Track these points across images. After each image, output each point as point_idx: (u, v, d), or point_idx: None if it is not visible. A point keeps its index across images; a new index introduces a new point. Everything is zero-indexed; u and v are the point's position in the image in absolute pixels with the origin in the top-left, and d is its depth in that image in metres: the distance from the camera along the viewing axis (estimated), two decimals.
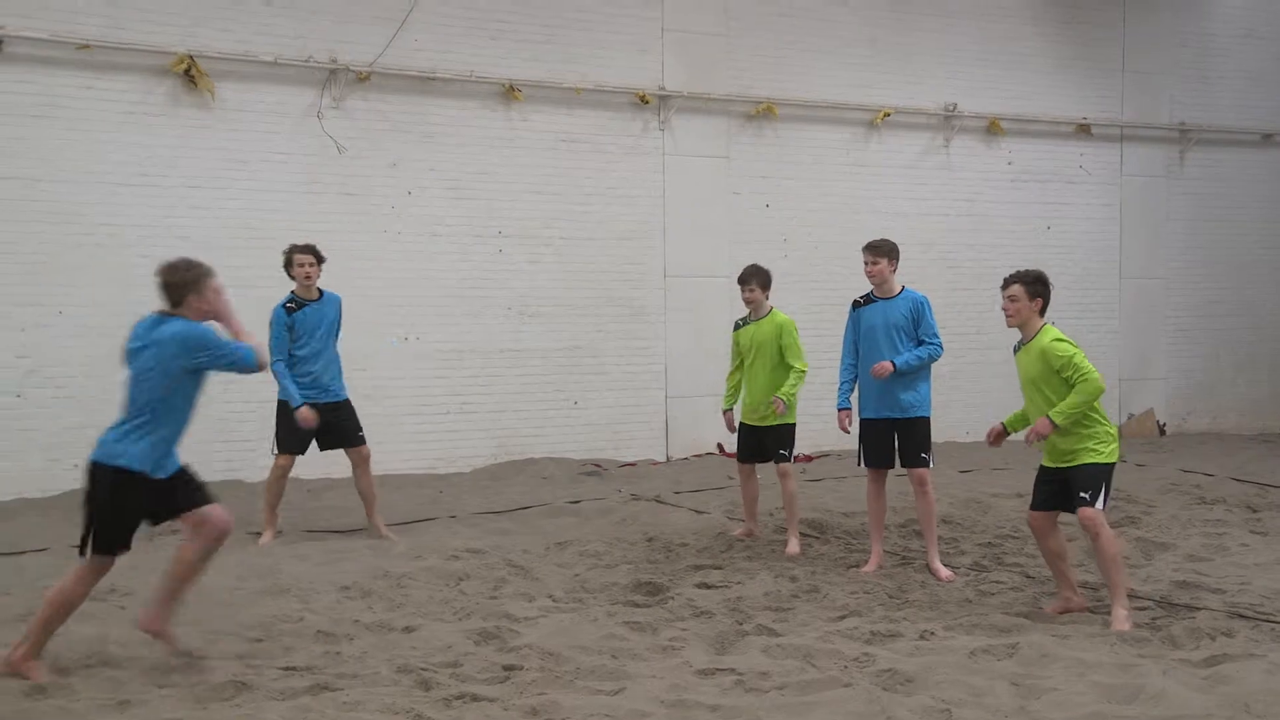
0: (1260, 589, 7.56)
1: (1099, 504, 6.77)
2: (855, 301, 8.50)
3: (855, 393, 8.48)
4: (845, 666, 5.97)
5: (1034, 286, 7.07)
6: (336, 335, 9.30)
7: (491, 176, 12.77)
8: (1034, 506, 7.15)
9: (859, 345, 8.38)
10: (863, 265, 8.37)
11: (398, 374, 12.35)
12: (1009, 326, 7.17)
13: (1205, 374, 16.61)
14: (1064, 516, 7.17)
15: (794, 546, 8.76)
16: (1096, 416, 6.90)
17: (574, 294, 13.16)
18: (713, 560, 8.44)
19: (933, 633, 6.59)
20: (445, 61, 12.50)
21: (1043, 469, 7.13)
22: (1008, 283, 7.14)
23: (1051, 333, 7.02)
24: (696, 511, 10.27)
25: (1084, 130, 15.68)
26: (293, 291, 9.19)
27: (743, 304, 9.21)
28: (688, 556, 8.57)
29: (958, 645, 6.30)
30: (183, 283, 5.94)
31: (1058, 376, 6.89)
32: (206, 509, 6.00)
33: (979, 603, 7.36)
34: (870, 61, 14.60)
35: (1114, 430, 7.00)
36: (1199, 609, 7.08)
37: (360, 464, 9.29)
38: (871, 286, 8.40)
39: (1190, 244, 16.43)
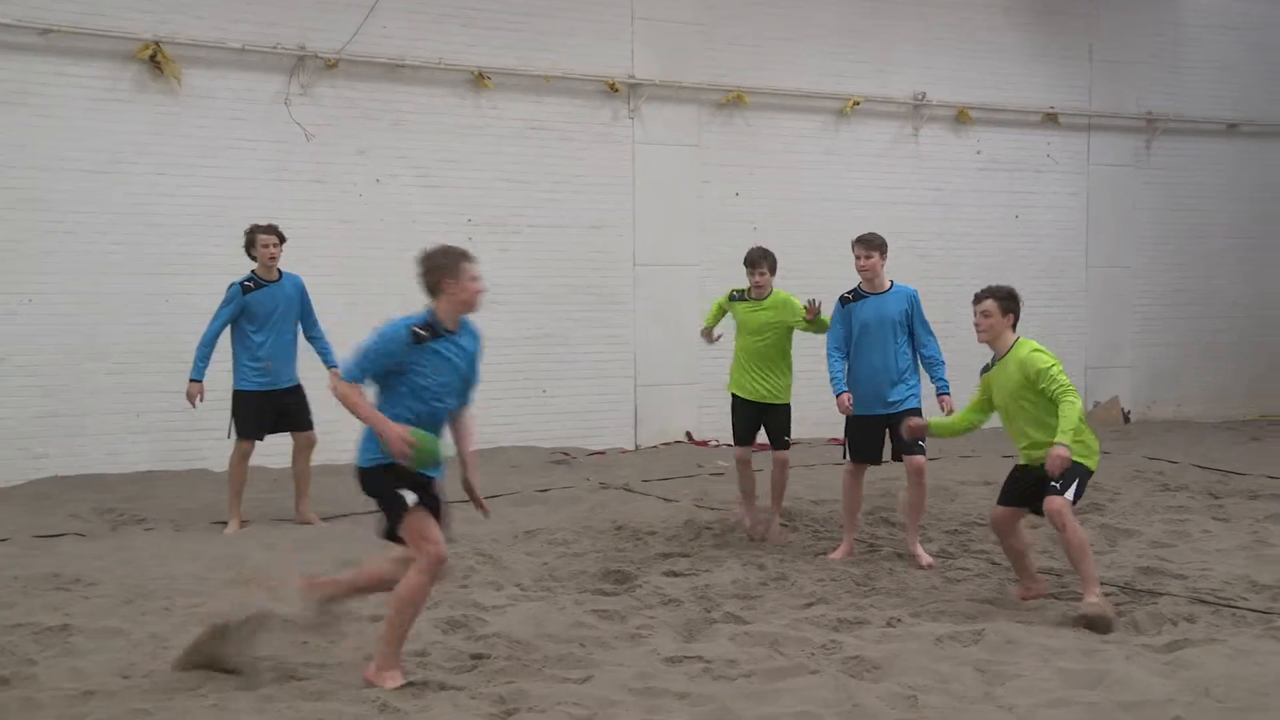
0: (1221, 575, 7.64)
1: (1069, 494, 6.77)
2: (843, 298, 8.37)
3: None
4: (812, 654, 5.99)
5: (1006, 302, 7.10)
6: (300, 317, 9.30)
7: (461, 164, 12.72)
8: (1001, 501, 7.15)
9: (850, 341, 8.29)
10: (854, 260, 8.26)
11: None
12: (980, 341, 7.17)
13: (1170, 362, 16.73)
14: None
15: (776, 531, 8.81)
16: (1081, 426, 6.92)
17: (543, 282, 13.13)
18: (681, 549, 8.46)
19: (899, 620, 6.63)
20: (414, 49, 12.44)
21: (1018, 468, 7.14)
22: (979, 298, 7.14)
23: (1029, 344, 7.02)
24: (665, 500, 10.29)
25: (1052, 119, 15.74)
26: (253, 271, 9.18)
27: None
28: (656, 545, 8.58)
29: (924, 632, 6.34)
30: (432, 268, 5.55)
31: (1035, 387, 6.89)
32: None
33: (945, 590, 7.41)
34: (844, 50, 14.59)
35: (1096, 444, 7.02)
36: (1162, 595, 7.16)
37: (304, 448, 9.37)
38: (860, 281, 8.32)
39: (1156, 233, 16.52)
